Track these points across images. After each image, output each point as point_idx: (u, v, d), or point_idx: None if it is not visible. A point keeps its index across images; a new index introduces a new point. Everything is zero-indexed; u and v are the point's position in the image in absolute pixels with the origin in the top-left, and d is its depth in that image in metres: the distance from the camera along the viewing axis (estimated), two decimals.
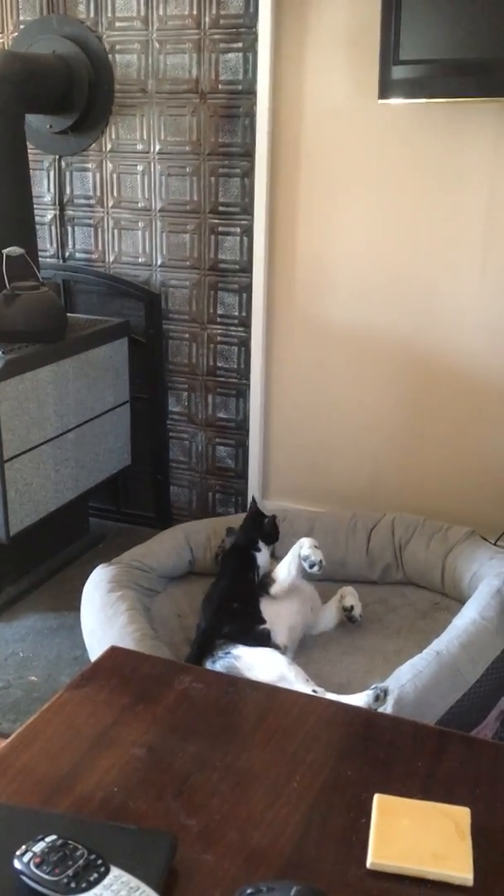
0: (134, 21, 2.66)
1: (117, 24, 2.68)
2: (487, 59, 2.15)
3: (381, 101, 2.29)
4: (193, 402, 2.97)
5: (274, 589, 2.06)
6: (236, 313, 2.81)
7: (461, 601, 2.19)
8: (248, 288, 2.75)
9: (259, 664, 1.82)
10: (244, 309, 2.79)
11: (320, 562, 2.04)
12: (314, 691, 1.72)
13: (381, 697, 1.66)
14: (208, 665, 1.87)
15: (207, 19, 2.56)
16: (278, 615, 2.01)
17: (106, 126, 2.79)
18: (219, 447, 2.99)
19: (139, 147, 2.77)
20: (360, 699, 1.66)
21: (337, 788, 0.98)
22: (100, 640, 1.95)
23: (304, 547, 2.05)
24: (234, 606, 2.05)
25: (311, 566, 2.04)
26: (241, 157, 2.65)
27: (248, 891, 0.80)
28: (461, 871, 0.86)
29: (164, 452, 3.06)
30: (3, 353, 2.37)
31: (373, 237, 2.58)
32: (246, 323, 2.79)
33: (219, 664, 1.84)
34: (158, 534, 2.46)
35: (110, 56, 2.71)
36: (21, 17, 2.80)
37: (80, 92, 2.74)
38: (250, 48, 2.53)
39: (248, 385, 2.85)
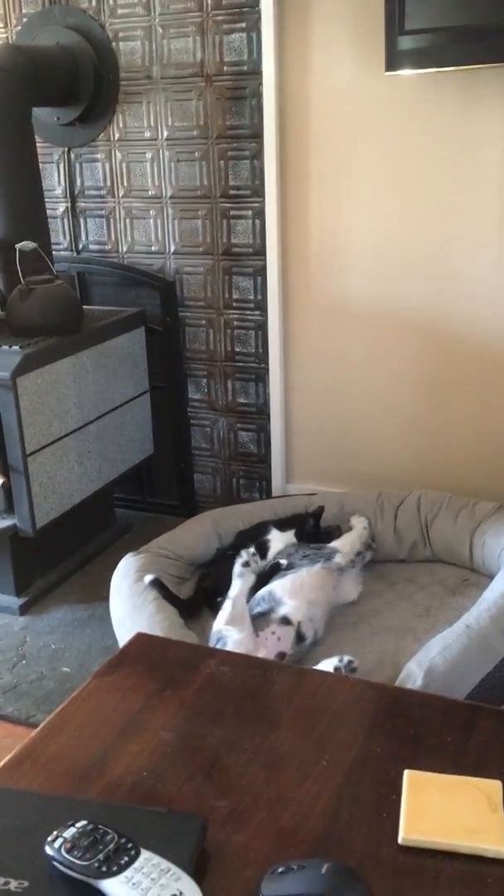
0: (136, 7, 2.64)
1: (119, 11, 2.66)
2: (495, 25, 2.11)
3: (388, 74, 2.26)
4: (213, 388, 2.96)
5: (338, 559, 2.15)
6: (252, 297, 2.79)
7: (490, 576, 2.17)
8: (262, 271, 2.73)
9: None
10: (260, 292, 2.77)
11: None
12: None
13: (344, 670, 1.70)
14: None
15: (209, 1, 2.54)
16: (301, 588, 2.01)
17: (113, 115, 2.78)
18: (240, 433, 2.98)
19: (147, 134, 2.76)
20: (328, 664, 1.72)
21: (366, 766, 0.98)
22: (129, 629, 1.96)
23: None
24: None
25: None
26: (249, 139, 2.63)
27: (279, 869, 0.80)
28: (494, 843, 0.85)
29: (186, 440, 3.06)
30: (20, 347, 2.38)
31: (386, 213, 2.55)
32: (262, 306, 2.78)
33: None
34: (185, 521, 2.47)
35: (114, 44, 2.70)
36: (24, 10, 2.79)
37: (85, 82, 2.73)
38: (254, 28, 2.50)
39: (267, 369, 2.84)
